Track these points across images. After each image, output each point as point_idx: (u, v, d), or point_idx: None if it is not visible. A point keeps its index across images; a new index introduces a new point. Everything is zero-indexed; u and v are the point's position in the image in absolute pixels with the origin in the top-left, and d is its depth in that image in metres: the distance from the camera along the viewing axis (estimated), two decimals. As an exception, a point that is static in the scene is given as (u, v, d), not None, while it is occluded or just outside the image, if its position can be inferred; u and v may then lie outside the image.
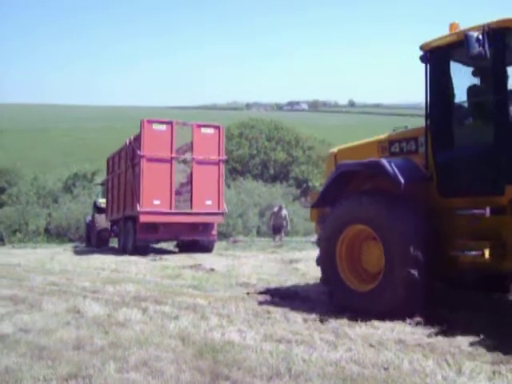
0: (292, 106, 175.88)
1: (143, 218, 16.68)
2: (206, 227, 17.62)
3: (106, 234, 23.49)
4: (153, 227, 16.96)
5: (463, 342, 5.10)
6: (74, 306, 7.32)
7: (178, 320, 6.30)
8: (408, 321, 5.96)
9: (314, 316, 6.42)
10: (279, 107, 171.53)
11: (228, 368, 4.48)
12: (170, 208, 16.84)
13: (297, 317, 6.42)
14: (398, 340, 5.22)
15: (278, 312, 6.68)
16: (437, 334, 5.45)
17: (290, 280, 9.66)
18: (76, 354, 5.00)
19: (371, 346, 5.04)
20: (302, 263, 12.46)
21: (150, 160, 16.83)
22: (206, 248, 17.81)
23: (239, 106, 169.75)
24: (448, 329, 5.58)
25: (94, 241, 24.11)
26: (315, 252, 7.42)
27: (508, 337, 5.18)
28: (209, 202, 17.38)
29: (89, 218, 26.46)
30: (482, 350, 4.81)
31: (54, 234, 31.64)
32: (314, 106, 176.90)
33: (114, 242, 23.31)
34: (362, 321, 6.02)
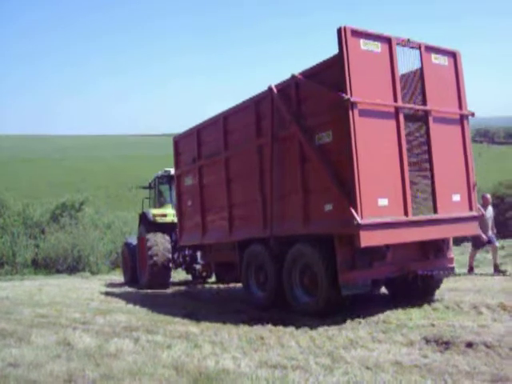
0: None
1: (368, 239, 7.35)
2: (445, 246, 9.01)
3: (166, 266, 14.84)
4: (371, 255, 7.81)
5: (460, 360, 5.05)
6: (64, 338, 7.19)
7: (170, 349, 6.21)
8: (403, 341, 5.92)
9: (307, 340, 6.36)
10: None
11: (224, 397, 4.39)
12: (406, 213, 7.90)
13: (290, 341, 6.35)
14: (395, 361, 5.15)
15: (271, 338, 6.60)
16: (433, 354, 5.40)
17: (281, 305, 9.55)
18: (67, 387, 4.90)
19: (368, 368, 4.98)
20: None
21: (367, 113, 7.66)
22: (433, 286, 9.16)
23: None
24: (444, 349, 5.55)
25: (144, 278, 15.29)
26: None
27: (506, 354, 5.15)
28: (456, 198, 8.77)
29: (132, 240, 17.45)
30: (480, 369, 4.75)
31: (42, 266, 31.27)
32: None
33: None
34: (357, 343, 5.97)
